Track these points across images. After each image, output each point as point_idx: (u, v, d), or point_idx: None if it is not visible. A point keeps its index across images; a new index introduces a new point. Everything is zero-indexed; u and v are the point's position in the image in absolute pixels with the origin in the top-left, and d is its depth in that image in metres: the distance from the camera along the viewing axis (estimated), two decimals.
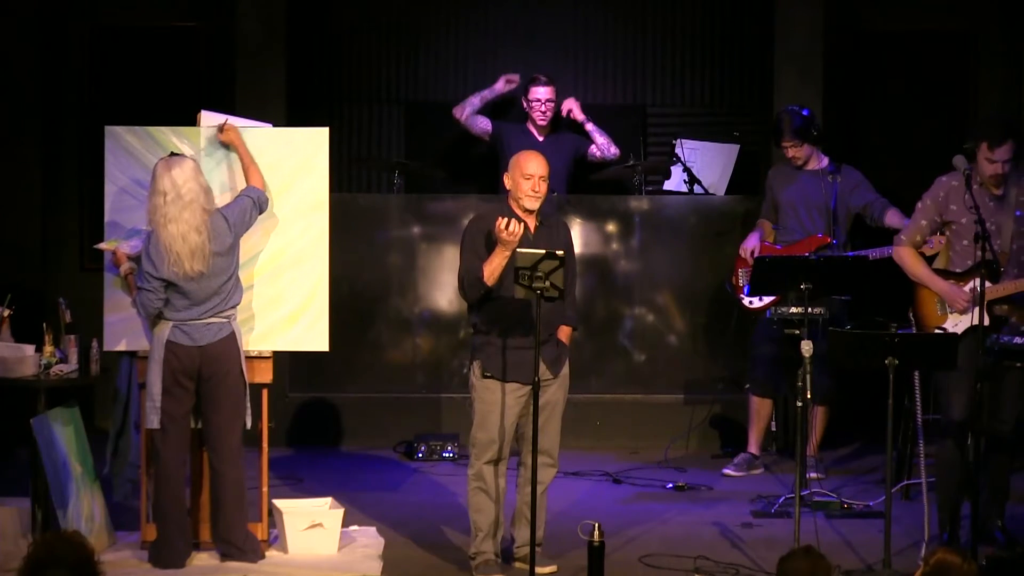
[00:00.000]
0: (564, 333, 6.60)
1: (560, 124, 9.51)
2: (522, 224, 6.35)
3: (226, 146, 6.79)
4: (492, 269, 6.38)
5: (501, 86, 9.74)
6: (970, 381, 6.54)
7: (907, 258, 6.95)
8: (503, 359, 6.46)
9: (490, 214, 6.53)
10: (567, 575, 6.56)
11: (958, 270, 6.82)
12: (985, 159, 6.70)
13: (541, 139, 9.42)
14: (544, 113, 9.26)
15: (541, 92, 9.29)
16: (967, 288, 6.76)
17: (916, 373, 7.33)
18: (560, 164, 9.23)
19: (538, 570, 6.32)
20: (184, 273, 6.37)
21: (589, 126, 9.57)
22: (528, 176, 6.47)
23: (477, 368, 6.53)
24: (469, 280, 6.47)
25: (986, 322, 6.67)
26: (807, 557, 4.51)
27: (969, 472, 6.65)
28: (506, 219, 6.32)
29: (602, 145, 9.56)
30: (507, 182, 6.57)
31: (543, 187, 6.49)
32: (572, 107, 9.59)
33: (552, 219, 6.70)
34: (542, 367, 6.42)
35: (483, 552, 6.52)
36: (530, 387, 6.37)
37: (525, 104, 9.28)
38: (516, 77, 9.66)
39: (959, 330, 6.70)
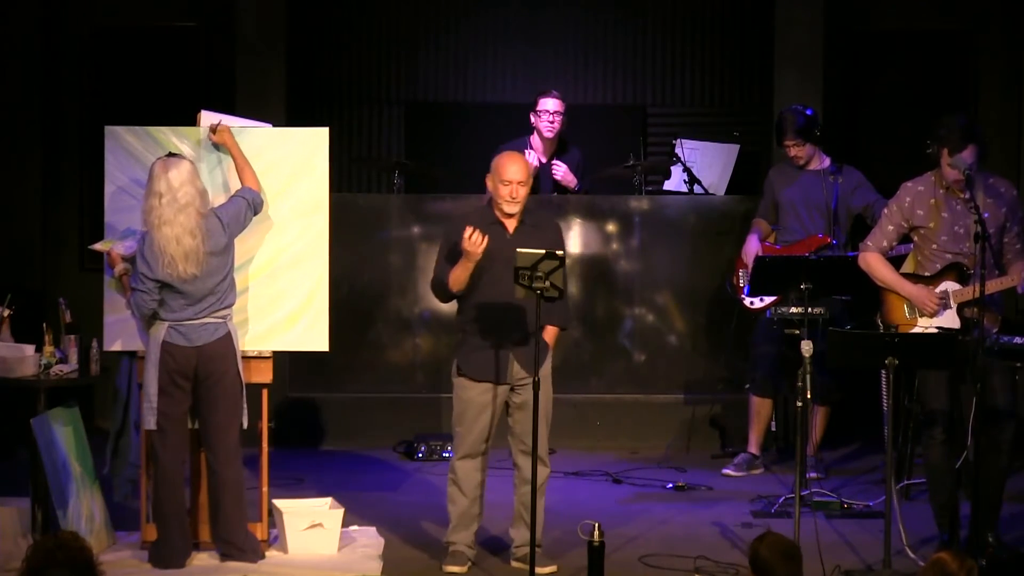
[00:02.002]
0: (549, 333, 6.63)
1: (566, 143, 9.41)
2: (485, 236, 6.38)
3: (219, 147, 6.79)
4: (456, 277, 6.50)
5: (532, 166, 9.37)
6: (947, 381, 6.62)
7: (874, 263, 6.95)
8: (477, 358, 6.57)
9: (472, 215, 6.61)
10: (567, 575, 6.57)
11: (927, 274, 6.83)
12: (947, 165, 6.69)
13: (544, 159, 9.35)
14: (551, 124, 9.19)
15: (549, 104, 9.18)
16: (937, 291, 6.77)
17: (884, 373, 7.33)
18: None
19: (538, 570, 6.33)
20: (178, 275, 6.36)
21: (560, 175, 9.36)
22: (507, 182, 6.52)
23: (454, 366, 6.66)
24: (437, 284, 6.64)
25: (957, 325, 6.69)
26: (779, 536, 4.71)
27: (959, 472, 6.67)
28: (471, 229, 6.37)
29: (563, 176, 9.35)
30: (489, 185, 6.61)
31: (521, 192, 6.52)
32: (559, 173, 9.39)
33: (539, 219, 6.70)
34: (516, 367, 6.53)
35: (453, 543, 6.63)
36: (504, 386, 6.55)
37: (533, 117, 9.23)
38: (535, 154, 9.28)
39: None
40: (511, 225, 6.57)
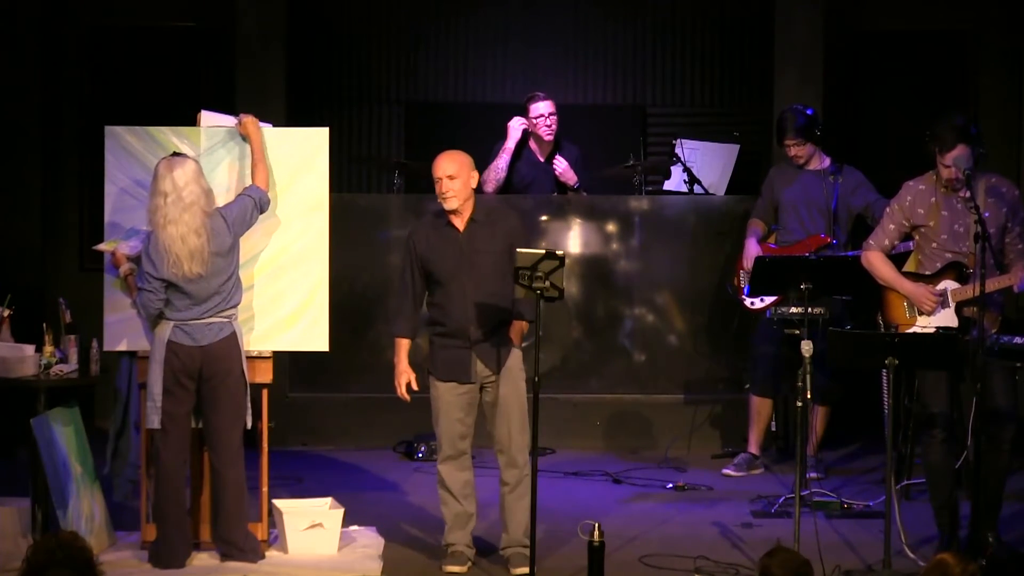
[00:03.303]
0: (515, 330, 6.64)
1: (560, 141, 9.42)
2: (406, 395, 6.70)
3: (229, 144, 6.78)
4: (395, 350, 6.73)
5: (518, 131, 9.29)
6: (947, 381, 6.64)
7: (875, 261, 6.97)
8: (442, 358, 6.62)
9: (427, 223, 6.68)
10: (567, 575, 6.57)
11: (927, 272, 6.84)
12: (940, 163, 6.71)
13: (542, 159, 9.36)
14: (549, 127, 9.20)
15: (542, 107, 9.20)
16: (936, 290, 6.78)
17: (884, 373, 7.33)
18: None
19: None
20: (183, 274, 6.37)
21: (561, 169, 9.39)
22: (436, 180, 6.54)
23: (427, 368, 6.74)
24: (392, 314, 6.88)
25: (955, 324, 6.70)
26: (789, 552, 4.65)
27: (959, 472, 6.67)
28: (402, 388, 6.67)
29: (563, 171, 9.38)
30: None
31: (452, 186, 6.50)
32: (561, 167, 9.42)
33: (493, 214, 6.69)
34: (479, 365, 6.56)
35: (451, 544, 6.67)
36: (470, 385, 6.59)
37: (528, 124, 9.23)
38: (521, 118, 9.36)
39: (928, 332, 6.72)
40: (461, 223, 6.57)
